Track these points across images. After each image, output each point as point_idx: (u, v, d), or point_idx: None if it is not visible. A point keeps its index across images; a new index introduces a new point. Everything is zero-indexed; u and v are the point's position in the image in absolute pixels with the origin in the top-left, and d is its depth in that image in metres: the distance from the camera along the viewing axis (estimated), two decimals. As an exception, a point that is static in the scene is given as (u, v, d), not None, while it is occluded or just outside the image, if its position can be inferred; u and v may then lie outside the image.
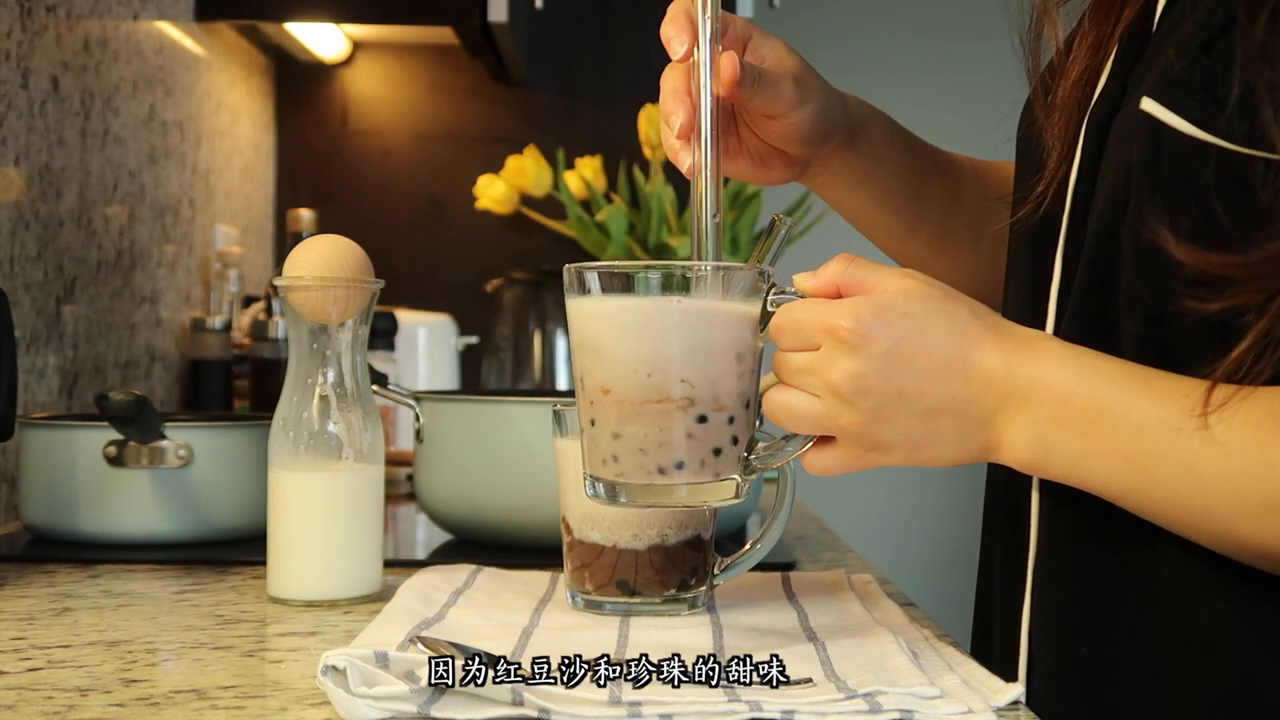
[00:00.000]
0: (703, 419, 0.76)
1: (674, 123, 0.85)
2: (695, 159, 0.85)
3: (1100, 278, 0.78)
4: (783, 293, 0.76)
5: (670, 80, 0.87)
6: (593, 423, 0.78)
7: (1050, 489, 0.82)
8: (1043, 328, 0.83)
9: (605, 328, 0.77)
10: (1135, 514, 0.73)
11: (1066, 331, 0.80)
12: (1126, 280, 0.76)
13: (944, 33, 3.26)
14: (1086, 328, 0.79)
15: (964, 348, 0.73)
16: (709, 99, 0.84)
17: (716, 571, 0.89)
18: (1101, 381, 0.72)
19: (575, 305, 0.79)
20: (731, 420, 0.77)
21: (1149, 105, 0.74)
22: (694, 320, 0.76)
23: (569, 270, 0.78)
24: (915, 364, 0.73)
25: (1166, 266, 0.72)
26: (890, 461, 0.75)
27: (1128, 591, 0.77)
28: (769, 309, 0.76)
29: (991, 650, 0.88)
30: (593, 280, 0.77)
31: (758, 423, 0.80)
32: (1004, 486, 0.89)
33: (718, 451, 0.77)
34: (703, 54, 0.84)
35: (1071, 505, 0.80)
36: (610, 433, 0.77)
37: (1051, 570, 0.82)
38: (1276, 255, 0.67)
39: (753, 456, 0.78)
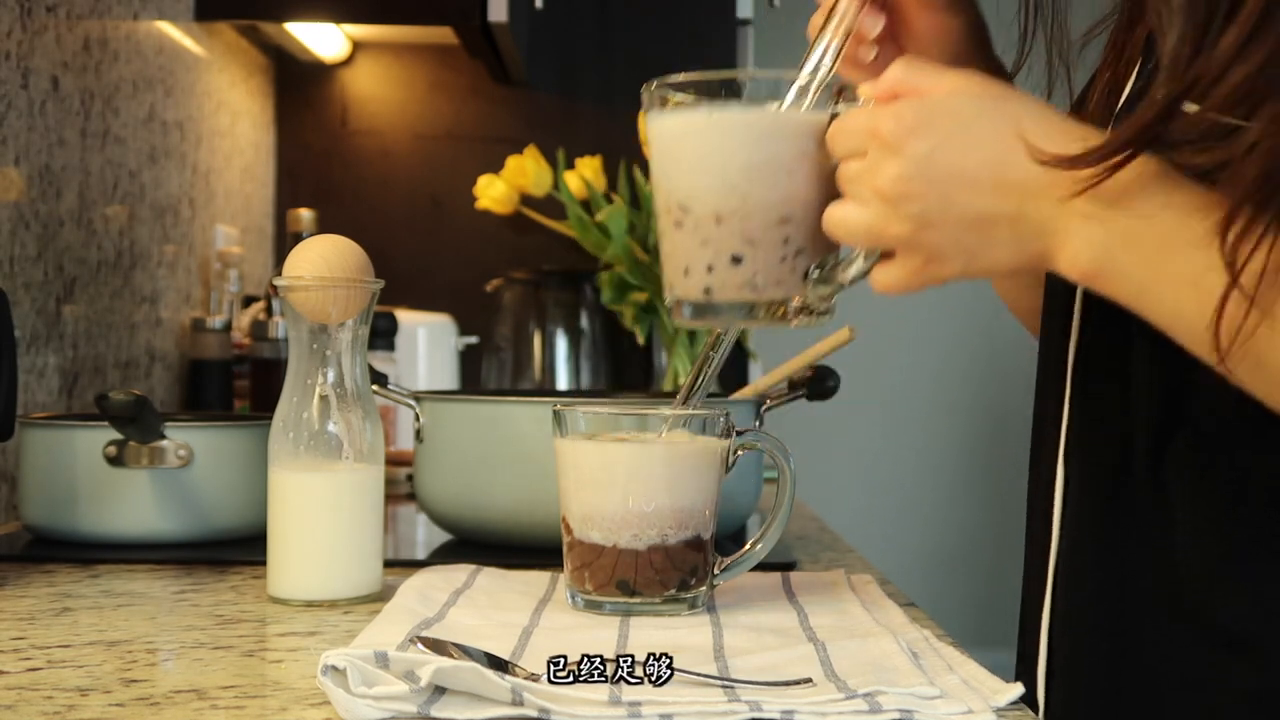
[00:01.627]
0: (775, 233, 0.76)
1: None
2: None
3: None
4: (851, 101, 0.75)
5: None
6: (673, 239, 0.78)
7: (1073, 487, 0.82)
8: (1069, 327, 0.84)
9: (675, 144, 0.78)
10: (1197, 352, 0.69)
11: (1096, 317, 0.81)
12: None
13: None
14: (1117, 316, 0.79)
15: (1019, 149, 0.68)
16: None
17: (716, 571, 0.89)
18: (1188, 207, 0.67)
19: (652, 122, 0.80)
20: (796, 236, 0.76)
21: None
22: (764, 135, 0.76)
23: (647, 88, 0.79)
24: (963, 165, 0.70)
25: None
26: (950, 273, 0.72)
27: (1150, 591, 0.77)
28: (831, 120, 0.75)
29: (1024, 651, 0.88)
30: (670, 95, 0.78)
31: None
32: (1036, 488, 0.89)
33: (784, 260, 0.77)
34: None
35: (1093, 504, 0.80)
36: (690, 249, 0.77)
37: (1072, 569, 0.82)
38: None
39: (816, 272, 0.77)
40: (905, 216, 0.70)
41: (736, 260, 0.76)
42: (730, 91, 0.78)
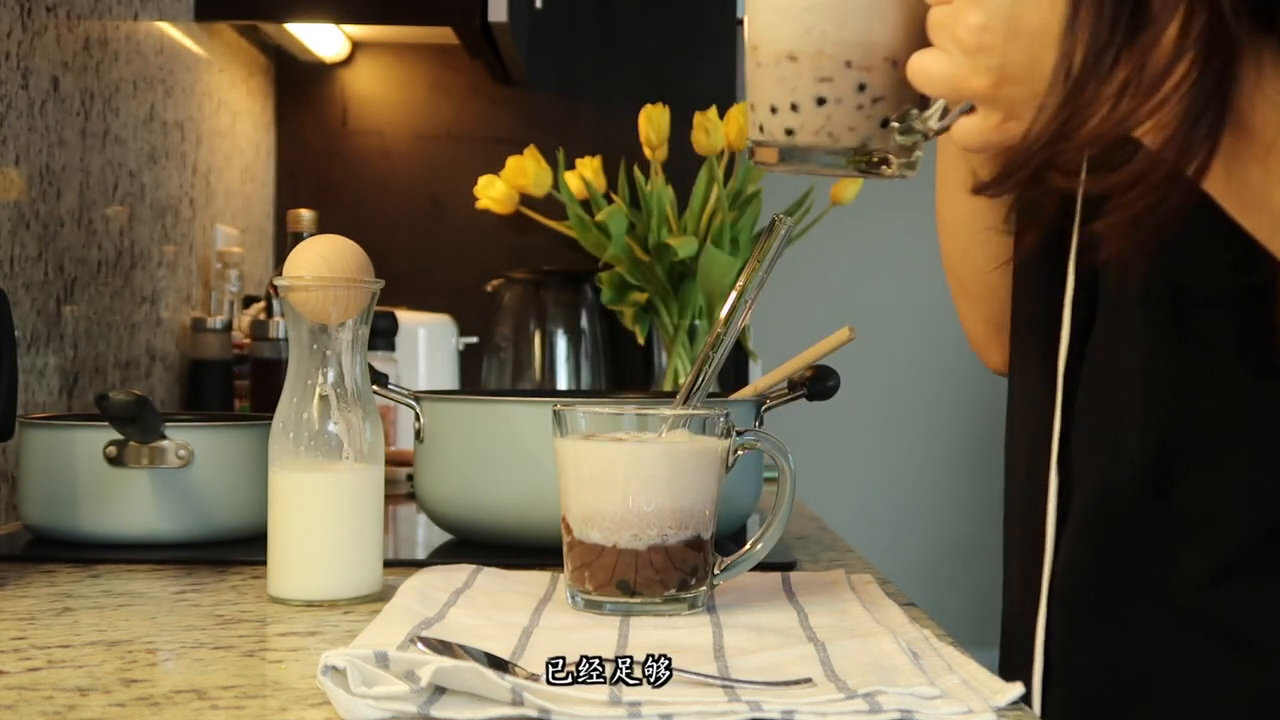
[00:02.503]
0: (851, 77, 0.74)
1: None
2: None
3: (1118, 277, 0.78)
4: None
5: None
6: (755, 77, 0.77)
7: (1071, 496, 0.82)
8: (1058, 337, 0.84)
9: None
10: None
11: (1094, 332, 0.80)
12: (1147, 275, 0.76)
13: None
14: (1108, 325, 0.79)
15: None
16: None
17: (716, 571, 0.89)
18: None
19: None
20: (875, 82, 0.75)
21: None
22: None
23: None
24: (1041, 20, 0.67)
25: (1188, 249, 0.72)
26: (1021, 134, 0.69)
27: (1149, 595, 0.77)
28: None
29: (1009, 658, 0.88)
30: None
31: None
32: (1023, 492, 0.89)
33: (861, 107, 0.75)
34: None
35: (1093, 511, 0.80)
36: (770, 88, 0.76)
37: (1068, 574, 0.82)
38: None
39: (897, 123, 0.74)
40: (985, 69, 0.68)
41: (820, 101, 0.74)
42: None
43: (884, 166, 0.75)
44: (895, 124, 0.74)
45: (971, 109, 0.71)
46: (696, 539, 0.87)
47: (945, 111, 0.73)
